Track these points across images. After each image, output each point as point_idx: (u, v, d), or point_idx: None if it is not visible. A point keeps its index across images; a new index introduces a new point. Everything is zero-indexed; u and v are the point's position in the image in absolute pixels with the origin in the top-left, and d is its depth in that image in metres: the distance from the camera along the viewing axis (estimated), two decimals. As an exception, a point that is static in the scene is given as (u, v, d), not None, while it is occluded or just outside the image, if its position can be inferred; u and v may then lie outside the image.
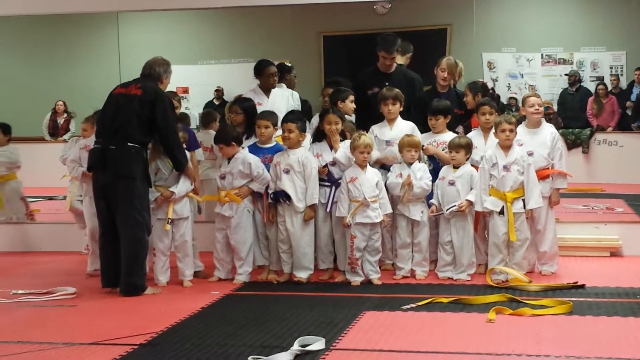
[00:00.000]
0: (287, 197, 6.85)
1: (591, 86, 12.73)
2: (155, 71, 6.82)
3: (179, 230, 6.97)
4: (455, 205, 6.84)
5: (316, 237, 7.07)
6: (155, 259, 6.98)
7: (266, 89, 7.92)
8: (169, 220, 6.86)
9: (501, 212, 6.77)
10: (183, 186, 6.92)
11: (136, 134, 6.58)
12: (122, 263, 6.54)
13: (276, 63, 8.23)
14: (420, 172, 6.96)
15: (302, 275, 6.90)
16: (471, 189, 6.89)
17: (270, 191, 6.97)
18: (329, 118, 7.00)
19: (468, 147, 6.95)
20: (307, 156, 6.92)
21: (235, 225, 6.96)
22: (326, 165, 6.99)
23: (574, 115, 12.52)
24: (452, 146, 6.95)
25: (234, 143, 6.95)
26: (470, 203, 6.85)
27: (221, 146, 6.98)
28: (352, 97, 7.38)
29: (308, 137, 7.20)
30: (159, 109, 6.61)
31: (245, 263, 7.01)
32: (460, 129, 7.54)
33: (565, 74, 12.75)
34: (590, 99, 12.58)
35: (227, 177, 6.96)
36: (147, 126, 6.63)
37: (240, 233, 6.97)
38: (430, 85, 7.85)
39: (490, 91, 7.93)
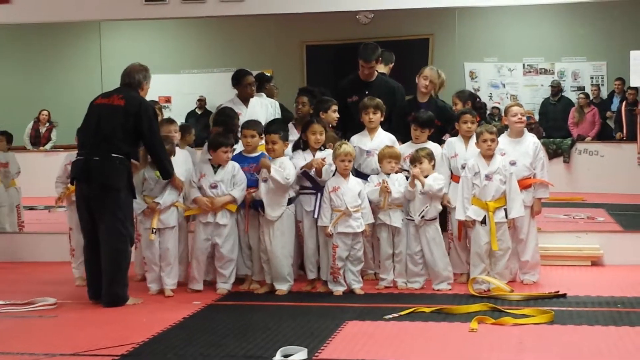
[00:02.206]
0: (263, 207, 6.84)
1: (572, 96, 12.79)
2: (135, 79, 6.78)
3: (164, 240, 6.95)
4: (424, 210, 6.85)
5: (303, 247, 7.06)
6: (147, 267, 7.02)
7: (244, 99, 7.94)
8: (154, 230, 6.85)
9: (483, 222, 6.80)
10: (169, 197, 6.91)
11: (121, 145, 6.55)
12: (103, 274, 6.51)
13: (255, 73, 8.22)
14: (397, 182, 6.97)
15: (282, 287, 6.89)
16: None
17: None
18: (314, 128, 6.98)
19: (430, 156, 6.96)
20: (282, 161, 6.88)
21: (227, 234, 6.95)
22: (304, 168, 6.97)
23: (556, 125, 12.57)
24: (415, 159, 6.93)
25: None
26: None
27: (226, 150, 6.94)
28: (334, 107, 7.37)
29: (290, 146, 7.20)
30: (144, 119, 6.59)
31: (231, 273, 7.01)
32: (447, 137, 7.54)
33: (549, 85, 12.81)
34: (573, 109, 12.64)
35: (220, 185, 6.93)
36: (133, 137, 6.62)
37: (232, 242, 6.97)
38: (412, 95, 7.86)
39: (478, 99, 7.96)
